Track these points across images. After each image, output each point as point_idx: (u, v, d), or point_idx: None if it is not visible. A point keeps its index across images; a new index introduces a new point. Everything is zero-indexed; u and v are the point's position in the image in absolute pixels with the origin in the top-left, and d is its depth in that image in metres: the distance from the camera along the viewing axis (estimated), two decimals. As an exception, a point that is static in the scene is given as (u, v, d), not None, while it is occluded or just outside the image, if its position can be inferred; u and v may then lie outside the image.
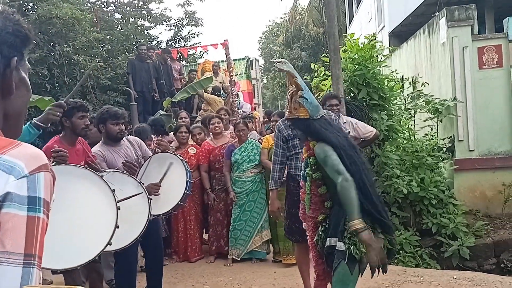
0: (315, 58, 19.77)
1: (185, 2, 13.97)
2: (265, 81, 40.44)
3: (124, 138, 4.03)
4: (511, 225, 7.26)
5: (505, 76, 7.81)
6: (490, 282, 4.54)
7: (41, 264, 0.87)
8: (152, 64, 9.30)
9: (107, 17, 13.00)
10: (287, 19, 26.61)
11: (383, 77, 7.07)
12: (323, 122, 2.87)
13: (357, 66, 6.77)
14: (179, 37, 13.87)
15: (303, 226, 3.31)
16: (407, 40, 10.73)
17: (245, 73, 13.30)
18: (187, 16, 13.99)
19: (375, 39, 7.47)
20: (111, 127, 3.84)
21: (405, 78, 8.84)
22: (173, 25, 13.82)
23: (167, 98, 8.92)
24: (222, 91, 10.26)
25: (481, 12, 9.45)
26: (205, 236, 6.29)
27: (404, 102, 8.05)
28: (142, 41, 11.68)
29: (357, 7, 18.22)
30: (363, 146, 5.51)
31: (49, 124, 3.09)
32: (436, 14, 8.90)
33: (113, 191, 2.96)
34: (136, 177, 3.68)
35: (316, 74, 8.02)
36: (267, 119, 8.54)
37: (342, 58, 6.84)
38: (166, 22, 13.62)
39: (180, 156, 4.28)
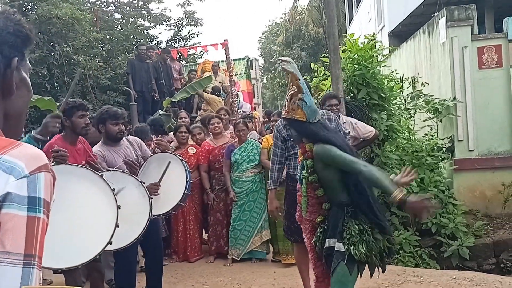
0: (315, 58, 19.76)
1: (184, 2, 13.97)
2: (264, 81, 40.44)
3: (123, 138, 4.03)
4: (511, 225, 7.26)
5: (504, 76, 7.82)
6: (490, 282, 4.54)
7: (41, 264, 0.87)
8: (151, 64, 9.30)
9: (107, 17, 13.00)
10: (287, 19, 26.62)
11: (383, 77, 7.08)
12: (319, 126, 2.87)
13: (356, 66, 6.78)
14: (179, 37, 13.87)
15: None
16: (407, 40, 10.74)
17: (245, 73, 13.30)
18: (186, 16, 13.99)
19: (375, 39, 7.47)
20: (110, 127, 3.84)
21: (405, 78, 8.85)
22: (173, 25, 13.82)
23: (167, 98, 8.92)
24: (221, 91, 10.26)
25: (481, 12, 9.45)
26: (205, 236, 6.29)
27: (403, 102, 8.06)
28: (142, 41, 11.68)
29: (357, 7, 18.23)
30: (362, 146, 5.52)
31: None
32: (435, 14, 8.90)
33: (113, 190, 2.97)
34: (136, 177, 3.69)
35: (315, 74, 8.03)
36: (266, 119, 8.56)
37: (342, 58, 6.84)
38: (166, 22, 13.62)
39: (179, 156, 4.29)
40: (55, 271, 3.25)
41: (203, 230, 6.24)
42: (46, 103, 6.29)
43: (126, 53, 11.06)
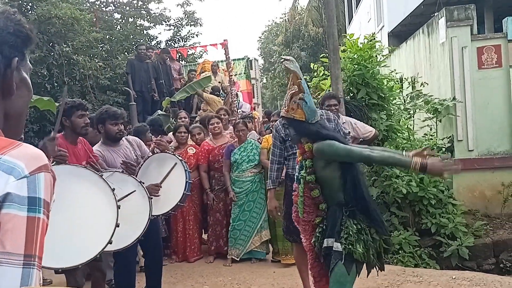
0: (315, 58, 19.76)
1: (184, 2, 13.98)
2: (264, 81, 40.45)
3: (123, 138, 4.03)
4: (510, 225, 7.26)
5: (504, 76, 7.82)
6: (489, 282, 4.54)
7: (41, 265, 0.87)
8: (151, 64, 9.30)
9: (107, 17, 12.99)
10: (287, 19, 26.62)
11: (383, 77, 7.08)
12: (318, 126, 2.88)
13: (356, 66, 6.78)
14: (179, 37, 13.87)
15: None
16: (407, 40, 10.74)
17: (244, 73, 13.30)
18: (186, 16, 13.99)
19: (375, 39, 7.47)
20: (110, 127, 3.84)
21: (405, 78, 8.86)
22: (173, 25, 13.83)
23: (166, 98, 8.92)
24: (221, 91, 10.26)
25: (481, 12, 9.46)
26: (205, 236, 6.29)
27: (403, 102, 8.06)
28: (141, 41, 11.68)
29: (357, 7, 18.23)
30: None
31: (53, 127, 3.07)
32: (435, 14, 8.90)
33: (113, 190, 2.97)
34: (136, 177, 3.69)
35: (315, 74, 8.03)
36: (266, 119, 8.56)
37: (342, 58, 6.85)
38: (166, 22, 13.62)
39: (179, 156, 4.29)
40: (56, 271, 3.25)
41: (203, 230, 6.24)
42: (45, 104, 6.29)
43: (126, 53, 11.06)
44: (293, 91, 2.86)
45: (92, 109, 7.86)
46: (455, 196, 7.21)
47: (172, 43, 13.65)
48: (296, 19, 25.08)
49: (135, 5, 13.39)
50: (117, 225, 2.87)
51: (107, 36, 11.49)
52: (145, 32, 13.15)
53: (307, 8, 23.71)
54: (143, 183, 3.58)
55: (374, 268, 2.88)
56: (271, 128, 5.83)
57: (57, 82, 8.96)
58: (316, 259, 3.00)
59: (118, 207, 2.93)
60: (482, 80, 7.81)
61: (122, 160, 3.82)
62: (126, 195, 3.31)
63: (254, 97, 19.37)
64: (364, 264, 2.82)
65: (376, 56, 7.23)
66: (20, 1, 9.04)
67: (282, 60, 2.92)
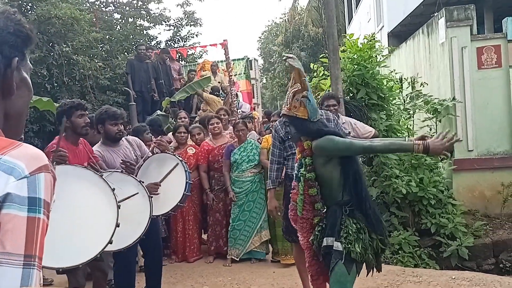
0: (314, 58, 19.77)
1: (184, 2, 13.97)
2: (264, 81, 40.45)
3: (123, 138, 4.03)
4: (510, 225, 7.26)
5: (504, 76, 7.82)
6: (489, 282, 4.55)
7: (41, 265, 0.87)
8: (151, 64, 9.30)
9: (106, 17, 12.99)
10: (286, 19, 26.61)
11: (382, 77, 7.08)
12: (320, 124, 2.89)
13: (356, 66, 6.78)
14: (178, 37, 13.87)
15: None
16: (406, 40, 10.74)
17: (244, 73, 13.31)
18: (186, 16, 13.99)
19: (374, 39, 7.47)
20: (109, 128, 3.84)
21: (404, 78, 8.86)
22: (172, 25, 13.82)
23: (166, 98, 8.92)
24: (220, 91, 10.26)
25: (480, 12, 9.46)
26: (204, 236, 6.29)
27: (403, 102, 8.06)
28: (141, 41, 11.67)
29: (356, 7, 18.24)
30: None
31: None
32: (435, 14, 8.90)
33: (113, 190, 2.97)
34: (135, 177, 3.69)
35: (315, 74, 8.03)
36: (266, 119, 8.56)
37: (341, 58, 6.85)
38: (165, 22, 13.61)
39: (179, 156, 4.29)
40: (57, 270, 3.26)
41: (202, 230, 6.24)
42: (45, 104, 6.30)
43: (126, 53, 11.06)
44: (296, 89, 2.85)
45: (92, 109, 7.87)
46: (454, 196, 7.21)
47: (172, 43, 13.64)
48: (296, 19, 25.08)
49: (135, 5, 13.38)
50: (117, 225, 2.87)
51: (107, 36, 11.49)
52: (145, 32, 13.14)
53: (307, 8, 23.71)
54: (143, 182, 3.59)
55: (372, 268, 2.89)
56: (270, 128, 5.82)
57: (57, 82, 8.96)
58: (314, 257, 3.00)
59: (119, 207, 2.94)
60: (481, 80, 7.82)
61: (121, 160, 3.82)
62: (129, 197, 3.31)
63: (254, 97, 19.39)
64: (364, 264, 2.82)
65: (376, 56, 7.23)
66: (20, 1, 9.03)
67: (284, 57, 2.92)
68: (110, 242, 2.81)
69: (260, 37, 38.51)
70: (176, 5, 13.98)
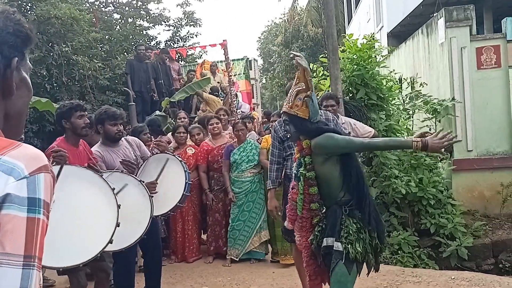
0: (314, 58, 19.76)
1: (183, 2, 13.96)
2: (263, 81, 40.46)
3: (122, 139, 4.03)
4: (509, 225, 7.27)
5: (503, 76, 7.83)
6: (488, 282, 4.55)
7: (41, 266, 0.87)
8: (150, 64, 9.30)
9: (106, 17, 12.98)
10: (286, 19, 26.62)
11: (382, 77, 7.09)
12: (319, 124, 2.89)
13: (355, 66, 6.78)
14: (178, 37, 13.86)
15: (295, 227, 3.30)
16: (406, 41, 10.75)
17: (243, 73, 13.30)
18: (185, 16, 13.98)
19: (374, 39, 7.48)
20: (109, 128, 3.84)
21: (404, 79, 8.86)
22: (172, 25, 13.81)
23: (166, 98, 8.92)
24: (220, 91, 10.26)
25: (480, 13, 9.47)
26: (204, 236, 6.29)
27: (402, 102, 8.07)
28: (140, 41, 11.66)
29: (356, 8, 18.24)
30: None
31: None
32: (434, 14, 8.91)
33: (113, 189, 2.97)
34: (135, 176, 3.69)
35: (314, 74, 8.03)
36: (265, 119, 8.56)
37: (341, 59, 6.85)
38: (165, 22, 13.60)
39: (179, 157, 4.29)
40: (58, 271, 3.26)
41: (202, 230, 6.24)
42: (44, 104, 6.30)
43: (125, 53, 11.05)
44: (300, 88, 2.85)
45: (92, 109, 7.86)
46: (454, 196, 7.22)
47: (171, 44, 13.63)
48: (295, 19, 25.08)
49: (135, 5, 13.37)
50: (117, 225, 2.87)
51: (107, 37, 11.48)
52: (144, 32, 13.13)
53: (306, 8, 23.72)
54: (143, 181, 3.59)
55: (372, 268, 2.88)
56: (270, 129, 5.83)
57: (57, 83, 8.95)
58: (312, 257, 2.99)
59: (119, 206, 2.94)
60: (481, 81, 7.82)
61: (121, 159, 3.82)
62: (120, 190, 3.30)
63: (253, 98, 19.39)
64: (365, 264, 2.82)
65: (376, 56, 7.23)
66: (19, 1, 9.03)
67: (292, 55, 2.90)
68: (111, 241, 2.81)
69: (259, 37, 38.56)
70: (176, 5, 13.97)
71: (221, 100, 9.79)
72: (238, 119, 6.76)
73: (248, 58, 15.66)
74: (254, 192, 5.57)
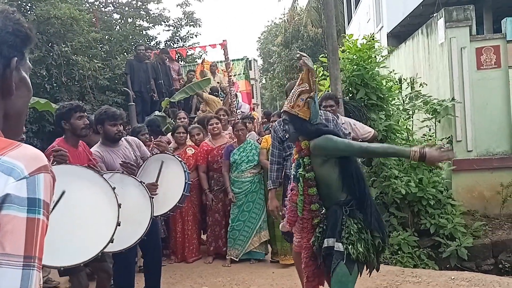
0: (314, 58, 19.69)
1: (183, 3, 13.97)
2: (263, 81, 40.46)
3: (122, 139, 4.03)
4: (509, 226, 7.27)
5: (503, 76, 7.83)
6: (488, 283, 4.55)
7: (41, 266, 0.87)
8: (150, 64, 9.30)
9: (106, 17, 12.98)
10: (286, 20, 26.61)
11: (382, 77, 7.08)
12: (319, 125, 2.89)
13: (355, 67, 6.78)
14: (178, 37, 13.86)
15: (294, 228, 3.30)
16: (406, 41, 10.75)
17: (243, 74, 13.30)
18: (185, 16, 13.99)
19: (374, 39, 7.47)
20: (109, 128, 3.84)
21: (403, 79, 8.86)
22: (172, 26, 13.82)
23: (166, 98, 8.92)
24: (220, 92, 10.26)
25: (479, 13, 9.47)
26: (204, 236, 6.29)
27: (402, 102, 8.07)
28: (140, 41, 11.67)
29: (356, 8, 18.24)
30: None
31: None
32: (434, 14, 8.91)
33: (113, 189, 2.97)
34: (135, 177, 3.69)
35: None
36: (265, 119, 8.55)
37: (341, 59, 6.85)
38: (165, 22, 13.61)
39: (179, 157, 4.28)
40: (59, 270, 3.25)
41: (202, 230, 6.24)
42: (42, 106, 6.31)
43: (125, 53, 11.05)
44: (303, 88, 2.84)
45: (91, 109, 7.86)
46: (454, 196, 7.21)
47: (171, 44, 13.64)
48: (295, 19, 25.07)
49: (134, 5, 13.38)
50: (118, 224, 2.86)
51: (106, 37, 11.48)
52: (144, 32, 13.14)
53: (306, 8, 23.72)
54: (143, 182, 3.59)
55: (374, 268, 2.88)
56: (270, 129, 5.83)
57: (56, 83, 8.95)
58: (312, 258, 2.99)
59: (119, 206, 2.93)
60: (481, 81, 7.82)
61: (121, 161, 3.82)
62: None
63: (253, 98, 19.39)
64: (365, 264, 2.82)
65: (375, 56, 7.23)
66: (19, 1, 9.02)
67: (298, 55, 2.90)
68: (111, 241, 2.81)
69: (259, 38, 38.55)
70: (176, 5, 13.97)
71: (221, 100, 9.78)
72: (238, 119, 6.76)
73: (248, 58, 15.66)
74: (254, 192, 5.57)
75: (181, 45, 13.60)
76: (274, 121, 5.17)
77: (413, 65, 9.97)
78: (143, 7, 13.37)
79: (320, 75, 7.74)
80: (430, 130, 8.11)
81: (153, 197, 3.55)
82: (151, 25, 13.43)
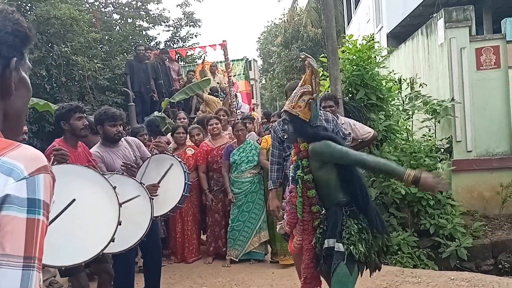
0: (314, 59, 19.74)
1: (183, 3, 13.98)
2: (263, 81, 40.45)
3: (122, 139, 4.02)
4: (509, 226, 7.27)
5: (502, 77, 7.83)
6: (488, 283, 4.54)
7: (41, 266, 0.87)
8: (150, 64, 9.30)
9: (106, 17, 12.98)
10: (286, 20, 26.59)
11: (381, 78, 7.08)
12: (318, 128, 2.89)
13: (355, 67, 6.78)
14: (177, 37, 13.87)
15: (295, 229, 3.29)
16: (405, 41, 10.75)
17: (243, 74, 13.31)
18: (185, 16, 14.00)
19: (373, 40, 7.48)
20: (108, 129, 3.84)
21: (403, 79, 8.86)
22: (172, 26, 13.83)
23: (166, 98, 8.92)
24: (220, 92, 10.26)
25: (479, 13, 9.48)
26: (203, 237, 6.28)
27: (402, 103, 8.07)
28: (140, 41, 11.67)
29: (355, 8, 18.24)
30: (361, 147, 5.51)
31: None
32: (434, 15, 8.92)
33: (114, 188, 2.96)
34: (136, 178, 3.69)
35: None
36: (265, 120, 8.55)
37: (340, 59, 6.85)
38: (165, 22, 13.63)
39: (178, 157, 4.28)
40: (59, 270, 3.25)
41: (201, 231, 6.24)
42: (41, 107, 6.31)
43: (125, 53, 11.05)
44: (306, 89, 2.84)
45: (91, 109, 7.85)
46: (453, 197, 7.22)
47: (171, 44, 13.65)
48: (295, 20, 25.07)
49: (134, 5, 13.39)
50: (119, 223, 2.86)
51: (106, 37, 11.48)
52: (144, 32, 13.14)
53: (306, 9, 23.71)
54: (143, 183, 3.58)
55: (376, 268, 2.88)
56: (270, 129, 5.83)
57: (56, 83, 8.94)
58: (313, 260, 2.98)
59: (120, 205, 2.93)
60: (480, 81, 7.83)
61: (122, 162, 3.82)
62: (130, 199, 3.31)
63: (253, 98, 19.39)
64: (366, 264, 2.82)
65: (375, 57, 7.23)
66: (19, 2, 9.02)
67: (303, 56, 2.90)
68: (113, 240, 2.80)
69: (259, 38, 38.50)
70: (176, 6, 13.99)
71: (221, 100, 9.79)
72: (238, 119, 6.76)
73: (248, 59, 15.68)
74: (254, 192, 5.57)
75: (181, 46, 13.61)
76: (274, 121, 5.16)
77: (413, 65, 9.98)
78: (143, 7, 13.38)
79: (320, 75, 7.73)
80: (429, 130, 8.12)
81: (153, 199, 3.55)
82: (151, 25, 13.44)
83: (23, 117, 1.07)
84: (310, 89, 2.82)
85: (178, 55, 12.38)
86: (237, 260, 5.58)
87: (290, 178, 3.11)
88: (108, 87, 9.94)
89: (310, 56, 2.87)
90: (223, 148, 5.73)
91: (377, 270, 2.90)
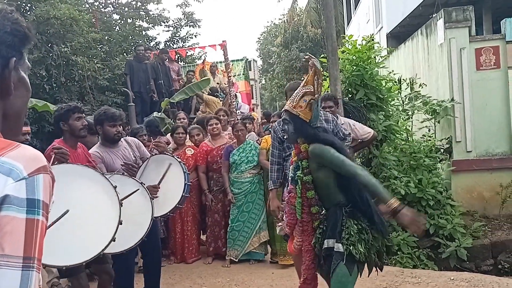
0: (317, 59, 19.72)
1: (183, 3, 13.98)
2: (263, 82, 40.45)
3: (122, 139, 4.02)
4: (509, 226, 7.27)
5: (502, 77, 7.83)
6: (488, 283, 4.55)
7: (40, 267, 0.87)
8: (150, 64, 9.30)
9: (105, 17, 12.99)
10: (285, 20, 26.60)
11: (381, 78, 7.08)
12: (318, 130, 2.88)
13: (355, 67, 6.78)
14: (177, 38, 13.87)
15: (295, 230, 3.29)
16: (405, 41, 10.75)
17: (243, 74, 13.32)
18: (185, 16, 14.00)
19: (373, 40, 7.47)
20: (108, 129, 3.83)
21: (403, 79, 8.86)
22: (171, 26, 13.83)
23: (165, 98, 8.92)
24: (219, 92, 10.27)
25: (479, 14, 9.48)
26: (203, 237, 6.28)
27: (401, 103, 8.07)
28: (140, 42, 11.68)
29: (355, 8, 18.24)
30: (361, 147, 5.53)
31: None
32: (433, 15, 8.92)
33: (115, 187, 2.96)
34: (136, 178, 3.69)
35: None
36: (265, 120, 8.55)
37: (340, 59, 6.84)
38: (164, 23, 13.63)
39: (178, 158, 4.28)
40: (60, 270, 3.25)
41: (201, 231, 6.23)
42: (41, 107, 6.31)
43: (125, 53, 11.06)
44: (308, 90, 2.84)
45: (91, 110, 7.85)
46: (453, 197, 7.21)
47: (170, 44, 13.65)
48: (294, 20, 25.08)
49: (134, 6, 13.39)
50: (120, 222, 2.86)
51: (106, 37, 11.48)
52: (143, 33, 13.15)
53: (306, 9, 23.70)
54: (144, 183, 3.58)
55: (375, 268, 2.88)
56: (270, 129, 5.82)
57: (56, 83, 8.95)
58: (313, 261, 2.98)
59: (121, 204, 2.93)
60: (480, 82, 7.83)
61: (123, 162, 3.82)
62: (130, 194, 3.31)
63: (252, 98, 19.40)
64: (366, 264, 2.82)
65: (375, 57, 7.23)
66: (19, 2, 9.02)
67: (307, 55, 2.91)
68: (113, 239, 2.80)
69: (259, 38, 38.50)
70: (176, 6, 14.00)
71: (221, 100, 9.79)
72: (237, 119, 6.76)
73: (248, 59, 15.68)
74: (254, 192, 5.56)
75: (181, 46, 13.61)
76: (274, 121, 5.16)
77: (413, 65, 9.98)
78: (143, 7, 13.39)
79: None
80: (429, 130, 8.12)
81: (153, 199, 3.55)
82: (150, 25, 13.44)
83: (22, 117, 1.07)
84: (312, 90, 2.82)
85: (178, 55, 12.38)
86: (237, 260, 5.58)
87: (290, 178, 3.10)
88: (107, 87, 9.94)
89: (314, 57, 2.88)
90: (223, 148, 5.72)
91: (378, 270, 2.90)
